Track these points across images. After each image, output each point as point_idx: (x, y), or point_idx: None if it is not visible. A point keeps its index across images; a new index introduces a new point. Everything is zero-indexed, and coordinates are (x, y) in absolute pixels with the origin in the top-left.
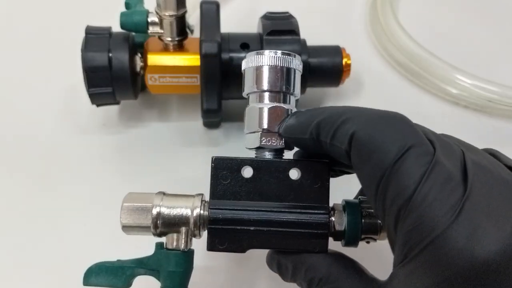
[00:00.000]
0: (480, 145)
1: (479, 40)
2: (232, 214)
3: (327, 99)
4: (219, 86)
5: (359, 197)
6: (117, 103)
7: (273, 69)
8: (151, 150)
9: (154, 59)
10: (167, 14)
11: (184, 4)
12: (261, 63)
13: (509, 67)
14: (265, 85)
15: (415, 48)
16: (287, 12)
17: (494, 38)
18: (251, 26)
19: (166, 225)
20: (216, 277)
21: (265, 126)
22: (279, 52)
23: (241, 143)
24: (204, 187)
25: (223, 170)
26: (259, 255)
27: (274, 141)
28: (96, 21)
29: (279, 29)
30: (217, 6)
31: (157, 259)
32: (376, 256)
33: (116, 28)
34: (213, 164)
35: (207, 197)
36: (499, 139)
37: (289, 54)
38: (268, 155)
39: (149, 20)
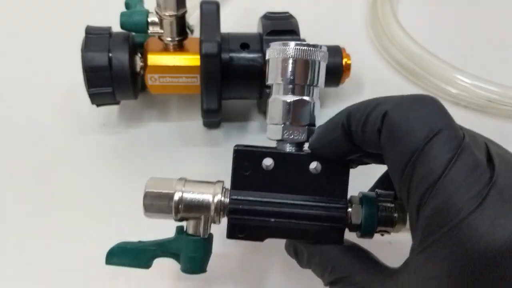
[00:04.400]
0: None
1: (479, 40)
2: (252, 205)
3: (327, 99)
4: (219, 86)
5: (376, 190)
6: (117, 103)
7: (297, 61)
8: (151, 150)
9: (154, 59)
10: (167, 14)
11: (184, 4)
12: (286, 55)
13: (509, 67)
14: (289, 77)
15: (415, 48)
16: (287, 12)
17: (494, 38)
18: (251, 26)
19: (187, 210)
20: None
21: (286, 119)
22: (304, 43)
23: (242, 143)
24: None
25: (244, 161)
26: (274, 241)
27: (296, 135)
28: (96, 21)
29: (279, 29)
30: (217, 6)
31: (177, 243)
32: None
33: (116, 28)
34: (234, 154)
35: (226, 184)
36: (499, 139)
37: (314, 46)
38: (289, 148)
39: (149, 20)
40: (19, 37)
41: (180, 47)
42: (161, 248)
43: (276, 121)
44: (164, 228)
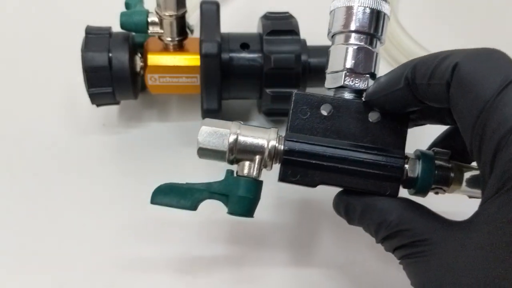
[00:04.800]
0: None
1: (479, 40)
2: (308, 147)
3: None
4: (219, 86)
5: (433, 148)
6: (117, 103)
7: (363, 10)
8: (151, 150)
9: (154, 59)
10: (167, 14)
11: (184, 4)
12: (351, 3)
13: None
14: (354, 26)
15: (415, 48)
16: (287, 12)
17: (494, 38)
18: (251, 26)
19: (241, 151)
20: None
21: (350, 65)
22: None
23: None
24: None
25: (303, 105)
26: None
27: (357, 82)
28: (96, 21)
29: (279, 29)
30: (217, 6)
31: (227, 184)
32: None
33: (116, 28)
34: (293, 98)
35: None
36: None
37: None
38: (348, 95)
39: (149, 20)
40: (19, 37)
41: (180, 47)
42: (210, 189)
43: (337, 68)
44: (165, 227)
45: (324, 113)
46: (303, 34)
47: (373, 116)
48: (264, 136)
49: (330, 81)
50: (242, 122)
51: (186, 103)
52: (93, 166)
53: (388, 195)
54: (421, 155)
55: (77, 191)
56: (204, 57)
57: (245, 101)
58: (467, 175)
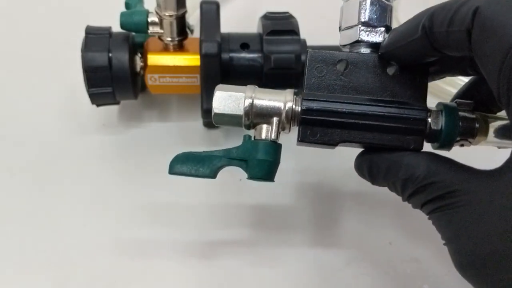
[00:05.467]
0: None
1: None
2: (326, 104)
3: None
4: None
5: (456, 100)
6: (117, 103)
7: None
8: (151, 150)
9: (154, 59)
10: (167, 14)
11: (184, 4)
12: None
13: None
14: None
15: None
16: (287, 12)
17: None
18: (251, 26)
19: (258, 115)
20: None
21: (364, 18)
22: None
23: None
24: (205, 187)
25: (318, 63)
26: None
27: (373, 35)
28: (96, 21)
29: (279, 29)
30: (217, 6)
31: (245, 149)
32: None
33: (116, 28)
34: (308, 56)
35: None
36: None
37: None
38: (364, 50)
39: (149, 20)
40: (19, 37)
41: (180, 47)
42: (228, 155)
43: (352, 23)
44: (166, 228)
45: (341, 69)
46: (303, 34)
47: (391, 70)
48: (281, 98)
49: (345, 38)
50: (256, 86)
51: (186, 103)
52: (93, 166)
53: (412, 150)
54: (443, 107)
55: (77, 191)
56: (204, 57)
57: None
58: (494, 125)
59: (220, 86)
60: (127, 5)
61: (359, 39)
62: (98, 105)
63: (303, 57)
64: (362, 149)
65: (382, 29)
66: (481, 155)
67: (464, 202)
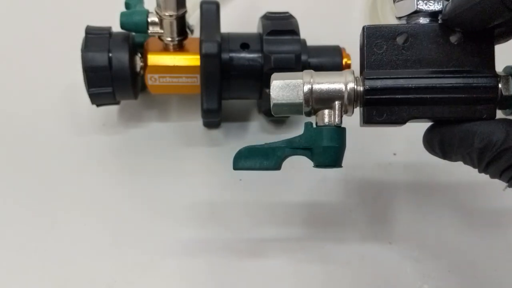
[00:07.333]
0: None
1: None
2: (390, 82)
3: None
4: (219, 86)
5: None
6: (117, 103)
7: None
8: (151, 150)
9: (154, 59)
10: (167, 14)
11: (184, 4)
12: None
13: None
14: None
15: None
16: (287, 12)
17: None
18: (251, 26)
19: (318, 100)
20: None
21: None
22: None
23: (242, 143)
24: (204, 187)
25: (377, 39)
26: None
27: (431, 3)
28: (96, 21)
29: (279, 29)
30: (217, 6)
31: (309, 136)
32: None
33: (116, 28)
34: (365, 33)
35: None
36: None
37: None
38: (423, 20)
39: (149, 20)
40: (19, 37)
41: (180, 47)
42: (291, 144)
43: None
44: (166, 228)
45: (401, 43)
46: (303, 34)
47: (454, 38)
48: (341, 80)
49: (401, 9)
50: (313, 70)
51: (186, 103)
52: (93, 166)
53: (485, 119)
54: None
55: (77, 191)
56: (204, 57)
57: (245, 101)
58: None
59: (275, 74)
60: (127, 5)
61: (417, 9)
62: (98, 105)
63: (303, 57)
64: (430, 124)
65: None
66: None
67: None
